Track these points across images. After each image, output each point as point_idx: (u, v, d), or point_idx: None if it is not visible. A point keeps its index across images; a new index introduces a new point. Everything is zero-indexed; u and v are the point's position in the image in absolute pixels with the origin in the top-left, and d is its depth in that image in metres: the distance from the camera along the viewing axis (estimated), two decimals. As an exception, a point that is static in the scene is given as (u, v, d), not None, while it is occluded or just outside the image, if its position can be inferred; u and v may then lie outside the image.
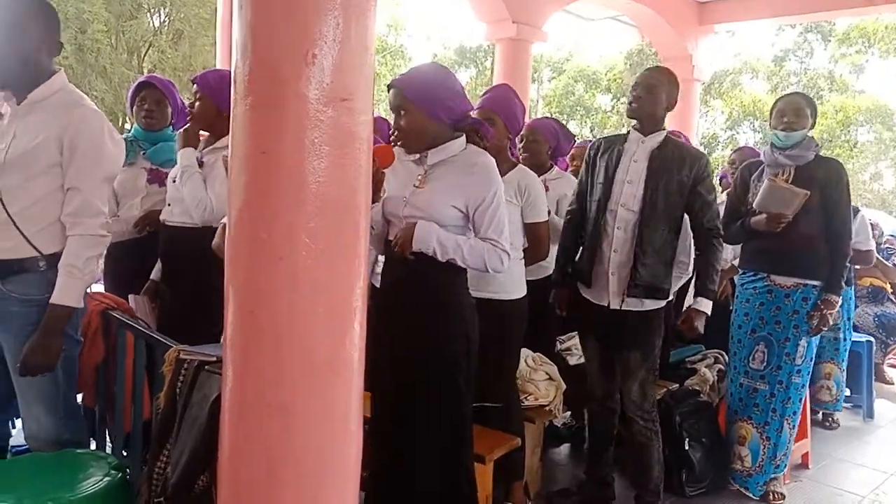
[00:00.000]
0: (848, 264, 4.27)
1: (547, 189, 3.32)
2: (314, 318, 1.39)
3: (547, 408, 3.00)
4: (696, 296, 2.76)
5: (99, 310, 2.37)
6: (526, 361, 3.04)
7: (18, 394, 2.00)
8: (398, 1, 30.10)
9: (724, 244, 3.62)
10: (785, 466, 3.27)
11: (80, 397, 2.38)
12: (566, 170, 3.66)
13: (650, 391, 2.82)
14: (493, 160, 2.21)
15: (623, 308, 2.74)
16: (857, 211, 4.38)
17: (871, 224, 5.68)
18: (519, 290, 2.73)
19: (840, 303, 3.12)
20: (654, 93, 2.71)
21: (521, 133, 3.49)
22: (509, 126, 2.71)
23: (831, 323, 3.13)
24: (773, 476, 3.22)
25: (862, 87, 26.44)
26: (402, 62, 30.10)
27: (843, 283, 4.20)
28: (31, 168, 1.93)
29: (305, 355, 1.39)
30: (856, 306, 5.53)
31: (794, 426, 3.22)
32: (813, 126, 3.16)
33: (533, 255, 2.80)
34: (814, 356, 3.23)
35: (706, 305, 2.73)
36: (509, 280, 2.68)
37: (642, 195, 2.69)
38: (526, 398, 2.95)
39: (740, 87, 30.97)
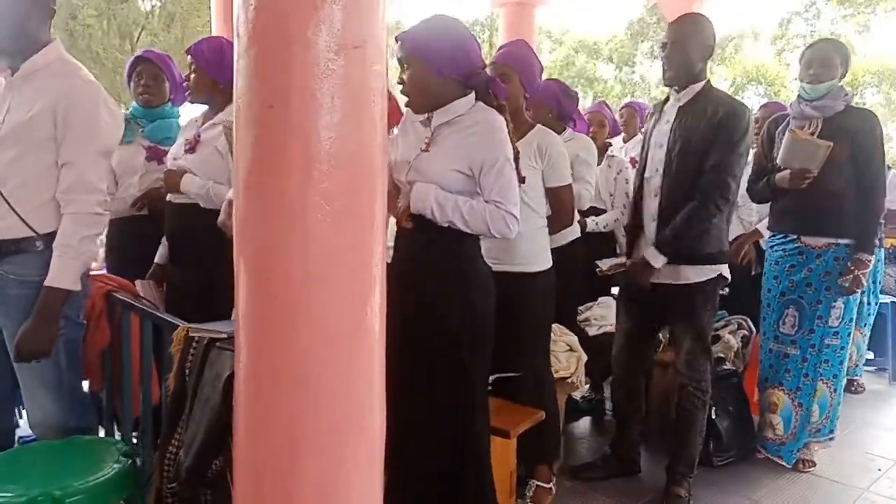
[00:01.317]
0: (881, 221, 4.16)
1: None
2: (330, 285, 1.27)
3: (569, 380, 2.90)
4: (654, 245, 2.58)
5: (102, 292, 2.27)
6: (548, 333, 2.93)
7: (21, 381, 1.90)
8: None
9: (749, 204, 3.54)
10: (831, 432, 3.15)
11: (86, 383, 2.29)
12: (585, 131, 3.51)
13: (698, 362, 2.69)
14: (500, 118, 2.04)
15: (662, 281, 2.61)
16: (888, 168, 4.23)
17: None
18: (545, 262, 2.60)
19: (872, 262, 2.99)
20: (682, 45, 2.54)
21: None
22: (525, 83, 2.55)
23: (864, 284, 2.99)
24: (813, 440, 3.11)
25: (869, 48, 26.01)
26: (398, 39, 29.67)
27: (877, 241, 4.10)
28: (24, 142, 1.81)
29: (323, 324, 1.28)
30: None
31: (835, 390, 3.09)
32: (844, 76, 2.99)
33: (556, 222, 2.65)
34: (854, 317, 3.08)
35: (656, 259, 2.55)
36: (534, 251, 2.56)
37: (665, 157, 2.56)
38: (548, 370, 2.85)
39: (743, 52, 30.54)
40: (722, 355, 3.37)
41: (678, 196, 2.55)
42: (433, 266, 2.03)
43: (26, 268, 1.83)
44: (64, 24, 12.98)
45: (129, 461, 1.70)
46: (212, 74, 2.49)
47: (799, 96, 3.04)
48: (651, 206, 2.61)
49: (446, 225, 1.96)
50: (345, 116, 1.26)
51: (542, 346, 2.64)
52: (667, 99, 2.70)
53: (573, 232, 3.16)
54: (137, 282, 2.59)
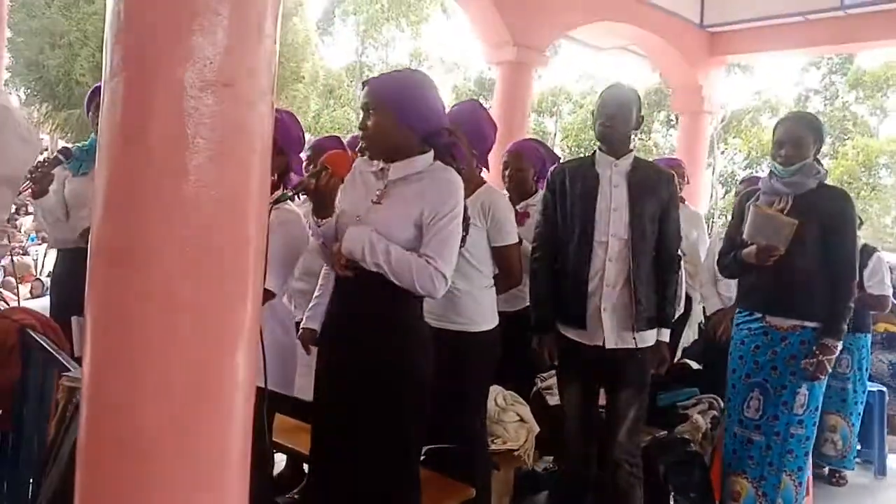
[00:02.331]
0: (862, 309, 4.00)
1: (528, 215, 3.10)
2: (178, 342, 1.16)
3: (516, 453, 2.74)
4: (661, 326, 2.59)
5: (16, 327, 2.16)
6: (496, 401, 2.79)
7: None
8: (419, 33, 30.43)
9: (724, 279, 3.42)
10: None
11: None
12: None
13: (637, 434, 2.60)
14: (460, 179, 1.98)
15: (619, 346, 2.50)
16: (873, 251, 4.11)
17: (891, 267, 5.40)
18: (488, 322, 2.50)
19: (839, 349, 2.83)
20: (623, 111, 2.53)
21: (505, 160, 3.28)
22: (473, 142, 2.49)
23: (829, 370, 2.82)
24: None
25: (884, 130, 26.17)
26: (423, 92, 30.27)
27: (855, 329, 3.94)
28: None
29: (166, 385, 1.16)
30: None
31: (800, 483, 2.89)
32: (818, 151, 2.90)
33: (504, 282, 2.57)
34: (819, 405, 2.91)
35: (665, 335, 2.57)
36: (478, 310, 2.47)
37: (628, 221, 2.48)
38: (493, 441, 2.69)
39: (759, 125, 30.80)
40: (688, 437, 3.19)
41: (641, 262, 2.51)
42: (374, 322, 1.94)
43: None
44: (91, 56, 12.95)
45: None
46: None
47: (771, 171, 2.94)
48: (607, 268, 2.50)
49: (374, 269, 1.85)
50: (209, 159, 1.17)
51: (478, 408, 2.51)
52: (588, 160, 2.64)
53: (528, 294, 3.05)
54: (74, 318, 2.49)
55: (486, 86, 28.77)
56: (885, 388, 4.49)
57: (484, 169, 2.72)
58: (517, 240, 2.55)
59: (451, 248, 1.92)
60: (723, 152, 29.19)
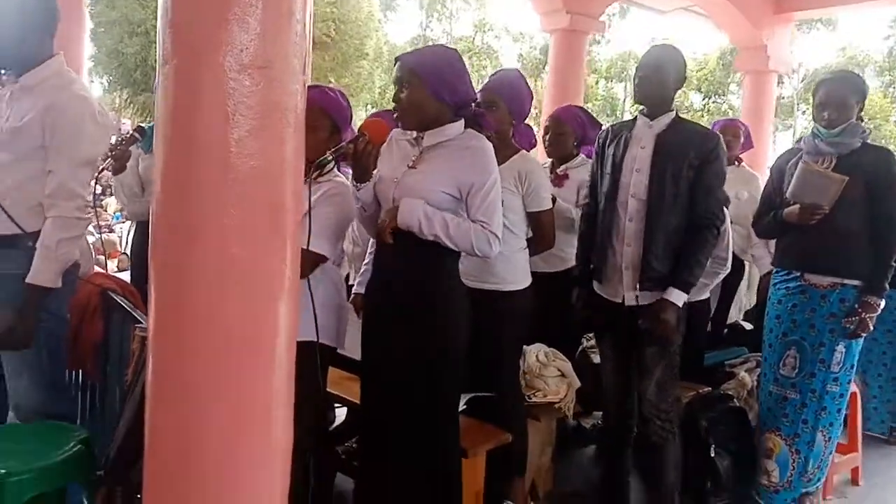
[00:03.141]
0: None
1: (567, 177, 3.20)
2: (228, 296, 1.35)
3: (556, 405, 2.87)
4: (671, 285, 2.52)
5: (98, 290, 2.44)
6: (537, 357, 2.92)
7: (5, 365, 2.08)
8: (483, 3, 30.16)
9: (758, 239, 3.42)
10: (819, 481, 2.99)
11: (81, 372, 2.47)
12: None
13: (669, 390, 2.63)
14: (491, 145, 2.13)
15: (639, 303, 2.58)
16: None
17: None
18: (522, 281, 2.63)
19: (881, 306, 2.82)
20: (659, 72, 2.53)
21: (546, 124, 3.40)
22: (513, 111, 2.60)
23: (871, 328, 2.82)
24: (805, 491, 2.96)
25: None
26: (488, 62, 30.20)
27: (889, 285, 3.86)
28: (18, 148, 2.00)
29: (218, 331, 1.35)
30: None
31: (830, 438, 2.93)
32: (861, 110, 2.87)
33: (538, 245, 2.69)
34: (855, 363, 2.94)
35: (678, 297, 2.50)
36: (511, 271, 2.59)
37: (648, 183, 2.53)
38: (534, 394, 2.84)
39: (844, 83, 29.15)
40: (732, 393, 3.25)
41: (662, 225, 2.52)
42: (414, 283, 2.11)
43: (10, 262, 2.00)
44: (142, 48, 13.44)
45: (80, 447, 1.82)
46: None
47: (813, 132, 2.93)
48: (626, 228, 2.57)
49: (431, 239, 2.02)
50: (248, 133, 1.35)
51: (512, 365, 2.66)
52: (630, 123, 2.67)
53: (569, 255, 3.17)
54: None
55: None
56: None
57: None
58: (551, 206, 2.66)
59: (499, 212, 2.10)
60: (803, 112, 27.91)
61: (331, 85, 2.14)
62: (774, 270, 3.10)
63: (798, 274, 2.93)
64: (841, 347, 2.85)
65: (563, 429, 3.46)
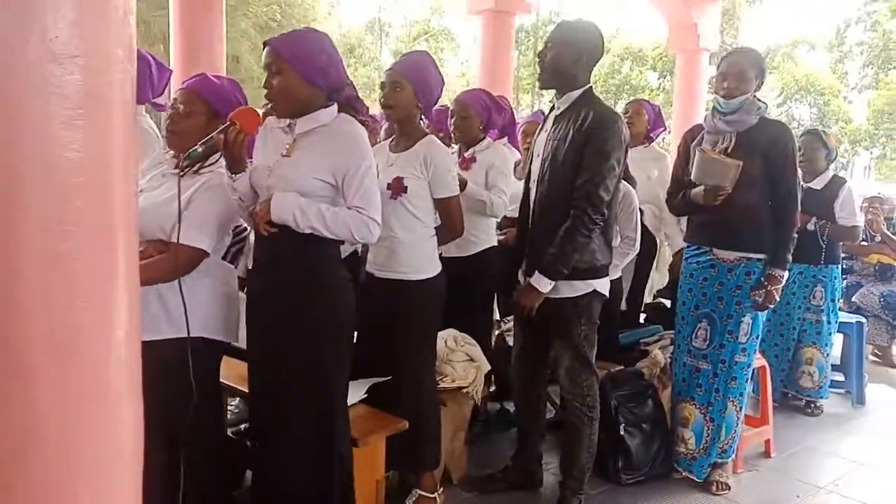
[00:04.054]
0: (833, 240, 4.02)
1: (474, 160, 3.18)
2: (54, 295, 1.29)
3: (465, 390, 2.87)
4: (538, 270, 2.50)
5: None
6: (445, 342, 2.92)
7: None
8: (438, -15, 29.91)
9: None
10: (733, 452, 3.06)
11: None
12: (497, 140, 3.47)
13: (581, 376, 2.62)
14: (364, 130, 2.09)
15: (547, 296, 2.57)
16: (843, 183, 4.09)
17: (881, 198, 5.34)
18: (430, 270, 2.58)
19: (785, 278, 2.89)
20: (564, 49, 2.48)
21: (451, 109, 3.35)
22: (419, 95, 2.54)
23: (777, 300, 2.89)
24: (718, 461, 3.02)
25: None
26: (446, 44, 30.00)
27: (827, 261, 3.97)
28: None
29: (47, 334, 1.30)
30: (860, 285, 5.22)
31: (740, 408, 3.00)
32: (759, 88, 2.91)
33: (446, 232, 2.64)
34: (760, 333, 3.00)
35: (542, 283, 2.47)
36: (419, 259, 2.55)
37: (540, 167, 2.52)
38: (442, 380, 2.83)
39: (795, 61, 29.71)
40: (645, 371, 3.29)
41: (549, 209, 2.50)
42: (293, 273, 2.06)
43: None
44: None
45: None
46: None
47: (714, 109, 2.97)
48: (533, 216, 2.57)
49: (308, 231, 1.98)
50: (63, 124, 1.29)
51: (424, 354, 2.62)
52: (553, 108, 2.66)
53: (488, 240, 3.16)
54: None
55: (519, 35, 28.12)
56: (864, 320, 4.49)
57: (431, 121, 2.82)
58: (458, 192, 2.60)
59: (375, 196, 2.04)
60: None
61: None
62: (686, 246, 3.15)
63: (707, 249, 2.99)
64: (747, 319, 2.92)
65: (486, 413, 3.50)
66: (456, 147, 3.33)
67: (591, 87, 2.56)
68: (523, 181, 2.73)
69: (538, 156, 2.55)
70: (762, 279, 2.86)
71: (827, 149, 4.11)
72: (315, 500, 2.10)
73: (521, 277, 2.69)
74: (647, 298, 4.26)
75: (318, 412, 2.08)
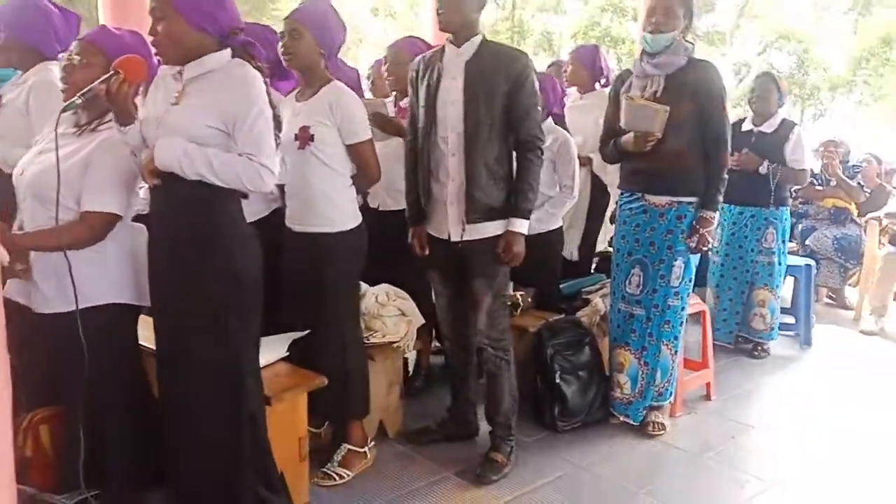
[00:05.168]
0: (784, 183, 4.01)
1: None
2: None
3: (396, 345, 2.86)
4: (509, 216, 2.51)
5: None
6: (376, 298, 2.89)
7: None
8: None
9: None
10: (670, 395, 3.08)
11: None
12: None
13: (499, 319, 2.63)
14: (257, 73, 2.00)
15: (465, 238, 2.55)
16: (793, 126, 4.06)
17: (836, 142, 5.32)
18: (348, 222, 2.53)
19: (717, 220, 2.87)
20: None
21: (385, 56, 3.28)
22: (320, 42, 2.47)
23: (710, 242, 2.88)
24: (654, 404, 3.04)
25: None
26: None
27: (777, 203, 3.97)
28: None
29: None
30: (814, 229, 5.23)
31: (675, 352, 3.01)
32: (687, 28, 2.86)
33: (362, 179, 2.58)
34: (693, 277, 3.00)
35: (521, 225, 2.50)
36: (337, 211, 2.50)
37: (463, 115, 2.47)
38: (372, 335, 2.81)
39: (781, 7, 29.35)
40: (585, 319, 3.28)
41: (476, 155, 2.47)
42: (189, 230, 1.99)
43: None
44: None
45: None
46: (16, 35, 2.47)
47: (642, 52, 2.92)
48: (450, 163, 2.52)
49: (195, 178, 1.90)
50: None
51: (346, 306, 2.59)
52: (440, 53, 2.57)
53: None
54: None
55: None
56: (812, 263, 4.50)
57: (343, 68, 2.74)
58: (369, 136, 2.54)
59: (268, 142, 1.96)
60: (734, 40, 28.00)
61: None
62: (620, 193, 3.12)
63: (639, 195, 2.98)
64: (679, 263, 2.91)
65: (427, 367, 3.50)
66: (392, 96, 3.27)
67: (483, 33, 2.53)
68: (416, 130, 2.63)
69: (452, 103, 2.49)
70: (694, 222, 2.84)
71: (779, 92, 4.08)
72: (227, 461, 2.07)
73: (428, 229, 2.66)
74: (603, 248, 4.25)
75: (224, 371, 2.03)
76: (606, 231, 4.10)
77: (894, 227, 4.76)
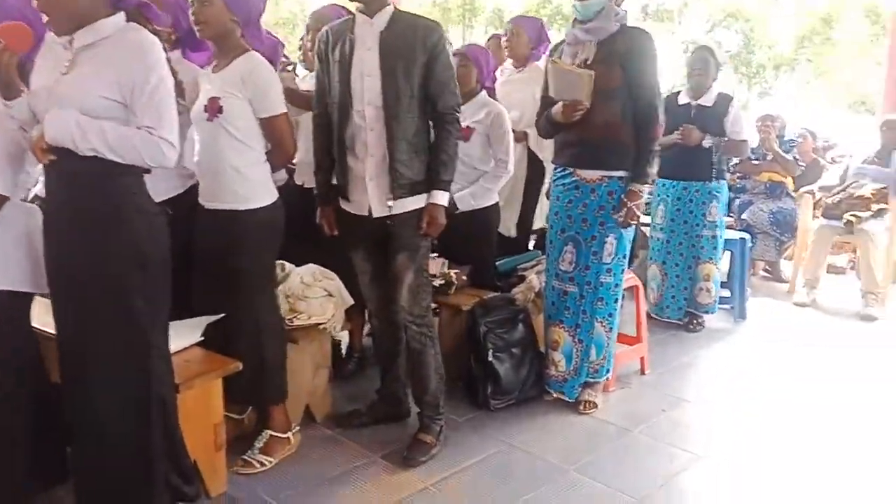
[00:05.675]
0: (724, 156, 4.03)
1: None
2: None
3: (322, 326, 2.76)
4: (433, 189, 2.44)
5: None
6: (301, 278, 2.78)
7: None
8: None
9: None
10: (608, 372, 3.07)
11: None
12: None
13: (422, 295, 2.55)
14: (155, 39, 1.86)
15: (391, 213, 2.46)
16: (731, 99, 4.06)
17: (772, 117, 5.37)
18: (261, 199, 2.41)
19: (646, 193, 2.84)
20: None
21: (307, 24, 3.17)
22: (232, 8, 2.32)
23: (639, 216, 2.84)
24: (590, 380, 3.02)
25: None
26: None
27: (718, 177, 3.99)
28: None
29: None
30: (751, 203, 5.29)
31: (610, 329, 2.99)
32: (619, -7, 2.80)
33: (276, 155, 2.46)
34: (627, 253, 2.97)
35: (442, 197, 2.43)
36: (249, 187, 2.39)
37: (381, 88, 2.37)
38: (297, 317, 2.70)
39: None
40: (519, 296, 3.23)
41: (404, 127, 2.38)
42: (86, 210, 1.85)
43: None
44: None
45: None
46: None
47: (574, 19, 2.85)
48: (368, 138, 2.41)
49: (90, 153, 1.77)
50: None
51: (262, 288, 2.48)
52: (350, 23, 2.45)
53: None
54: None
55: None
56: (747, 237, 4.55)
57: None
58: (284, 110, 2.42)
59: (169, 113, 1.84)
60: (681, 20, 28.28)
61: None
62: (553, 168, 3.06)
63: (571, 170, 2.93)
64: (611, 239, 2.88)
65: (360, 349, 3.41)
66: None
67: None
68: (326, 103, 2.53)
69: (368, 75, 2.38)
70: (622, 196, 2.80)
71: (716, 65, 4.07)
72: (135, 449, 1.97)
73: (342, 205, 2.57)
74: (540, 225, 4.20)
75: (130, 356, 1.92)
76: (543, 207, 4.06)
77: (827, 200, 4.83)
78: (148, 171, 1.95)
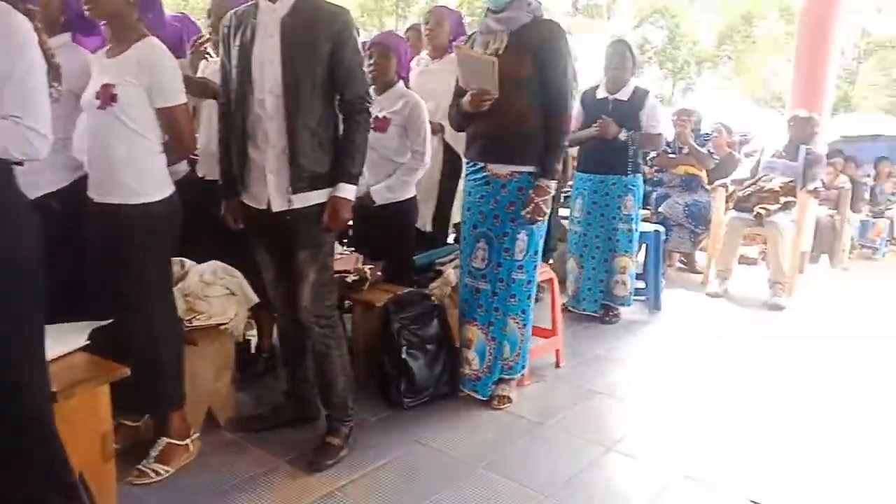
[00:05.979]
0: (640, 149, 4.08)
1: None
2: None
3: (223, 327, 2.64)
4: (336, 182, 2.35)
5: None
6: (201, 276, 2.65)
7: None
8: None
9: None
10: (523, 368, 3.06)
11: None
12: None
13: (326, 294, 2.45)
14: (22, 19, 1.71)
15: (285, 208, 2.35)
16: (647, 93, 4.11)
17: (688, 111, 5.48)
18: (156, 192, 2.28)
19: (553, 188, 2.82)
20: None
21: (209, 10, 3.03)
22: None
23: (547, 212, 2.83)
24: (504, 377, 3.00)
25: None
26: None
27: (634, 171, 4.02)
28: None
29: None
30: (668, 196, 5.40)
31: (524, 325, 2.97)
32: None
33: (174, 150, 2.33)
34: (539, 249, 2.95)
35: (348, 191, 2.34)
36: (142, 180, 2.25)
37: (282, 77, 2.26)
38: (196, 318, 2.58)
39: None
40: (436, 291, 3.19)
41: (307, 117, 2.28)
42: None
43: None
44: None
45: None
46: None
47: (487, 9, 2.82)
48: (269, 128, 2.31)
49: None
50: None
51: (156, 287, 2.35)
52: (253, 9, 2.34)
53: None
54: None
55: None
56: (661, 229, 4.64)
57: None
58: (184, 101, 2.31)
59: (40, 101, 1.69)
60: (609, 15, 28.77)
61: None
62: (465, 162, 3.02)
63: (482, 165, 2.89)
64: (522, 235, 2.85)
65: (269, 350, 3.30)
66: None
67: None
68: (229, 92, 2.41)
69: (271, 62, 2.27)
70: (530, 192, 2.78)
71: (633, 60, 4.12)
72: (6, 461, 1.82)
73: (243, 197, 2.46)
74: (458, 219, 4.16)
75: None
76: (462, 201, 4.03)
77: (738, 193, 4.97)
78: (19, 163, 1.80)
